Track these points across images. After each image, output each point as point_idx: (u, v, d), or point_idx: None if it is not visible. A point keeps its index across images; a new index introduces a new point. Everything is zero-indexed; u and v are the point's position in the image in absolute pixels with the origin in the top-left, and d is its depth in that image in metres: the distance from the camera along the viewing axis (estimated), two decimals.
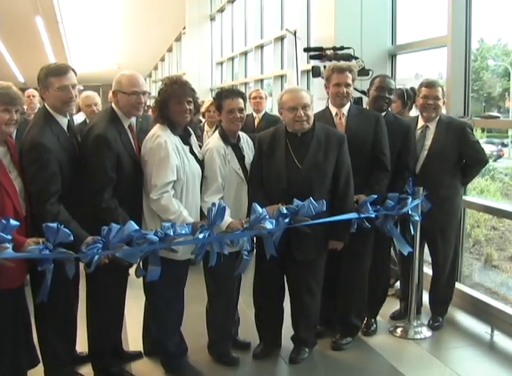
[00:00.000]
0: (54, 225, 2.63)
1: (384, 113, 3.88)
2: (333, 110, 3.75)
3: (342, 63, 4.02)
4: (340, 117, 3.73)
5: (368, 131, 3.66)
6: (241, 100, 3.47)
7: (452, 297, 4.22)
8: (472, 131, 4.07)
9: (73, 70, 3.08)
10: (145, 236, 2.87)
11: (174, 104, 3.22)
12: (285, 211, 3.18)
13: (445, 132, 3.97)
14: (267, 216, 3.12)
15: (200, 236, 2.98)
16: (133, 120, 3.35)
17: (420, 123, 4.07)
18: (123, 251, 2.82)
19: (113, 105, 3.24)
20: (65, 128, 3.08)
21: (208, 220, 3.03)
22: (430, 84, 3.96)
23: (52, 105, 3.04)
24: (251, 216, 3.14)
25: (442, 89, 3.99)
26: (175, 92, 3.22)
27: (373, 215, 3.53)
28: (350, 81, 3.70)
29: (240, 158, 3.51)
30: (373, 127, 3.67)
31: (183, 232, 2.93)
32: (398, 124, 3.90)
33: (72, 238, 2.67)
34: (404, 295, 4.22)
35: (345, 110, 3.74)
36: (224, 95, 3.47)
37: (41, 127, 2.97)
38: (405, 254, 3.81)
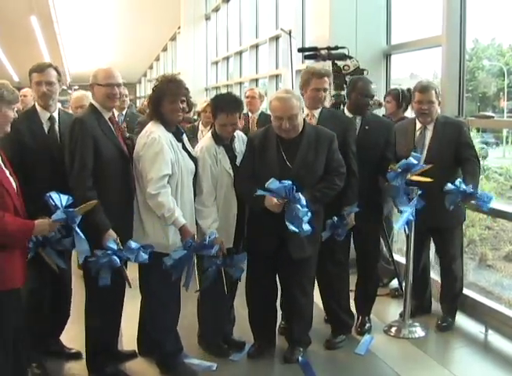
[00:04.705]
0: (53, 193, 2.70)
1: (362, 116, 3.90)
2: (305, 111, 3.76)
3: (320, 67, 4.00)
4: (310, 118, 3.74)
5: (338, 134, 3.60)
6: (237, 115, 3.45)
7: (460, 294, 4.21)
8: (469, 130, 4.07)
9: (55, 69, 3.23)
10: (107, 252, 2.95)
11: (167, 102, 3.23)
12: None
13: (442, 132, 3.98)
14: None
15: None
16: (121, 118, 3.40)
17: (419, 124, 4.07)
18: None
19: (91, 100, 3.32)
20: (44, 123, 3.20)
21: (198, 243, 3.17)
22: (423, 89, 3.95)
23: (36, 99, 3.24)
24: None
25: (436, 91, 3.96)
26: (170, 90, 3.23)
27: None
28: (327, 86, 3.77)
29: (232, 158, 3.50)
30: (343, 130, 3.66)
31: (141, 260, 3.02)
32: (380, 122, 3.94)
33: (71, 200, 2.74)
34: (416, 295, 4.19)
35: (317, 112, 3.77)
36: (220, 108, 3.43)
37: (18, 123, 3.03)
38: (397, 228, 4.04)
